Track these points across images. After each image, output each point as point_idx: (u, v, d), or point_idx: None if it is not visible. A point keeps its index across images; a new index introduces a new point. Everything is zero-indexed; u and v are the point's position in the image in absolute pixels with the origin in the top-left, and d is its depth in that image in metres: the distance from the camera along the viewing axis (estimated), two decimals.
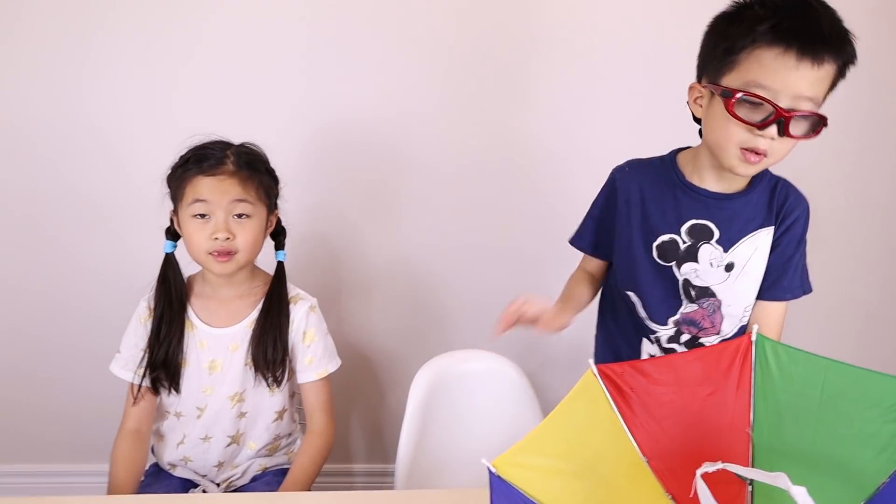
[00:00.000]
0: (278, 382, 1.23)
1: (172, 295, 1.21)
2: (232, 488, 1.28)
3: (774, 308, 1.12)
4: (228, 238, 1.13)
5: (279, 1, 1.53)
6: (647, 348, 1.16)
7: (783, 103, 0.90)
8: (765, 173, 1.07)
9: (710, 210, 1.06)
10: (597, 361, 0.69)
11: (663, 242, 1.09)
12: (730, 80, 0.94)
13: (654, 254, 1.09)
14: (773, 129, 0.91)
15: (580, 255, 1.25)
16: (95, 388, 1.68)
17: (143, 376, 1.20)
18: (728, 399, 0.69)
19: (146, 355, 1.20)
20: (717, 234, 1.06)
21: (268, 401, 1.25)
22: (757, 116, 0.92)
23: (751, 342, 0.69)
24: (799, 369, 0.67)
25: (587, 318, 1.25)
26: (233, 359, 1.22)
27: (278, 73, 1.56)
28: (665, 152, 1.14)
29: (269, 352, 1.20)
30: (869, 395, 0.64)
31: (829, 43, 0.90)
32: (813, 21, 0.90)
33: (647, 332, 1.14)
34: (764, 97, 0.90)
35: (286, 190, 1.26)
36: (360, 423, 1.85)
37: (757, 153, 0.94)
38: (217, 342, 1.22)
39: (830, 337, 1.80)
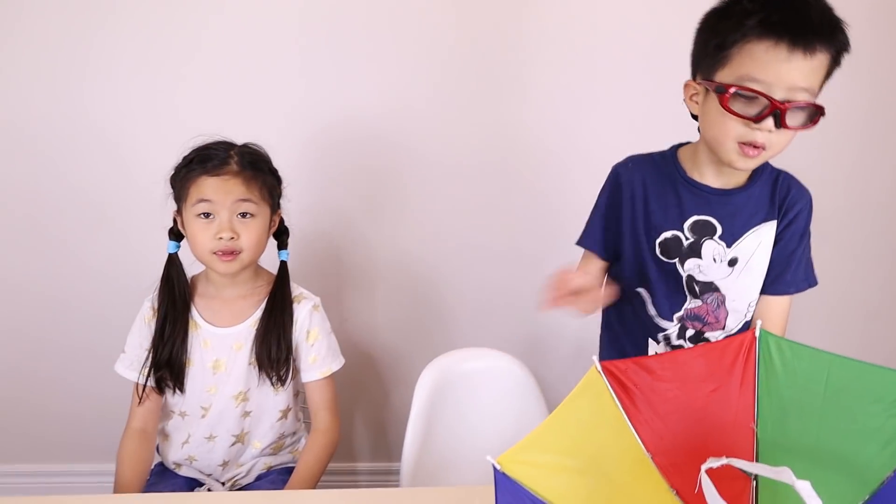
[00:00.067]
0: (282, 381, 1.23)
1: (176, 295, 1.21)
2: (237, 487, 1.28)
3: (778, 303, 1.12)
4: (233, 237, 1.13)
5: (279, 0, 1.53)
6: (654, 349, 1.16)
7: (778, 95, 0.90)
8: (765, 167, 1.07)
9: (713, 206, 1.07)
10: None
11: (666, 239, 1.09)
12: (723, 76, 0.94)
13: (657, 251, 1.09)
14: (769, 122, 0.91)
15: (581, 250, 1.24)
16: (97, 388, 1.69)
17: (148, 376, 1.20)
18: (732, 395, 0.69)
19: (150, 355, 1.21)
20: (719, 229, 1.06)
21: (272, 400, 1.25)
22: (752, 110, 0.92)
23: (754, 338, 0.69)
24: (802, 364, 0.67)
25: (592, 315, 1.25)
26: (237, 358, 1.22)
27: (279, 73, 1.57)
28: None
29: (273, 351, 1.21)
30: (873, 390, 0.64)
31: (820, 32, 0.89)
32: (802, 11, 0.90)
33: (654, 332, 1.14)
34: (758, 90, 0.90)
35: (288, 189, 1.26)
36: (364, 421, 1.86)
37: (755, 147, 0.94)
38: (221, 342, 1.22)
39: (832, 336, 1.80)
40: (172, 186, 1.19)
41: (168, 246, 1.22)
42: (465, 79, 1.59)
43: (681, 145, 1.13)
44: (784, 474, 0.54)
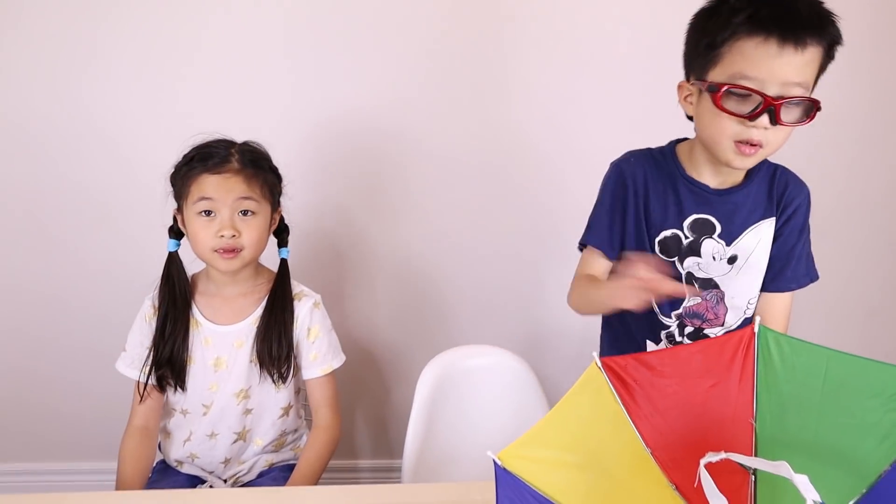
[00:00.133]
0: (283, 379, 1.24)
1: (177, 293, 1.21)
2: (239, 484, 1.29)
3: (780, 299, 1.12)
4: (234, 235, 1.13)
5: None
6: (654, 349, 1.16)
7: (771, 91, 0.90)
8: (762, 162, 1.06)
9: (712, 204, 1.07)
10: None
11: (666, 238, 1.09)
12: (715, 75, 0.94)
13: (657, 249, 1.10)
14: (764, 119, 0.91)
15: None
16: (98, 387, 1.69)
17: (149, 374, 1.21)
18: (731, 390, 0.69)
19: (151, 353, 1.21)
20: (718, 228, 1.07)
21: (273, 397, 1.26)
22: (746, 108, 0.92)
23: (753, 333, 0.69)
24: (801, 360, 0.68)
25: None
26: (238, 356, 1.22)
27: (279, 72, 1.57)
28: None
29: (274, 348, 1.21)
30: (871, 385, 0.65)
31: (809, 25, 0.89)
32: (790, 6, 0.90)
33: (657, 330, 1.14)
34: (750, 87, 0.90)
35: (289, 187, 1.27)
36: (366, 418, 1.86)
37: (752, 145, 0.94)
38: (222, 339, 1.22)
39: (832, 333, 1.80)
40: (173, 184, 1.19)
41: (168, 244, 1.23)
42: (467, 76, 1.59)
43: (678, 141, 1.13)
44: (782, 468, 0.54)
